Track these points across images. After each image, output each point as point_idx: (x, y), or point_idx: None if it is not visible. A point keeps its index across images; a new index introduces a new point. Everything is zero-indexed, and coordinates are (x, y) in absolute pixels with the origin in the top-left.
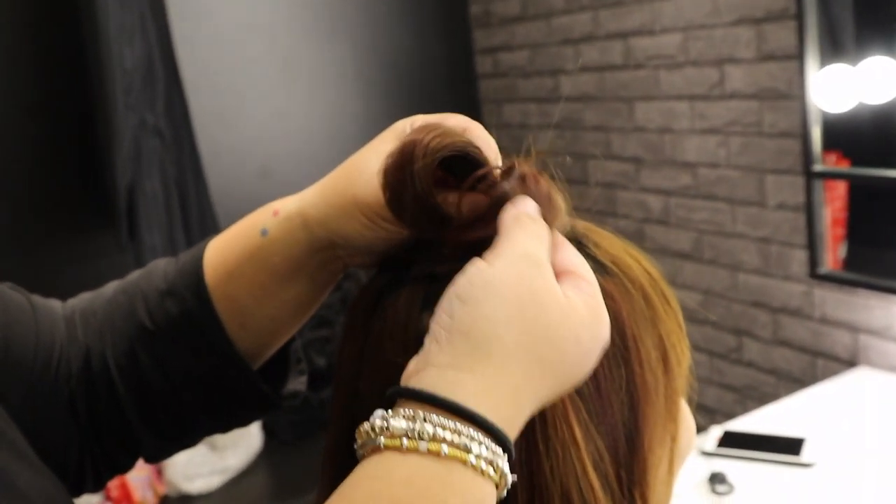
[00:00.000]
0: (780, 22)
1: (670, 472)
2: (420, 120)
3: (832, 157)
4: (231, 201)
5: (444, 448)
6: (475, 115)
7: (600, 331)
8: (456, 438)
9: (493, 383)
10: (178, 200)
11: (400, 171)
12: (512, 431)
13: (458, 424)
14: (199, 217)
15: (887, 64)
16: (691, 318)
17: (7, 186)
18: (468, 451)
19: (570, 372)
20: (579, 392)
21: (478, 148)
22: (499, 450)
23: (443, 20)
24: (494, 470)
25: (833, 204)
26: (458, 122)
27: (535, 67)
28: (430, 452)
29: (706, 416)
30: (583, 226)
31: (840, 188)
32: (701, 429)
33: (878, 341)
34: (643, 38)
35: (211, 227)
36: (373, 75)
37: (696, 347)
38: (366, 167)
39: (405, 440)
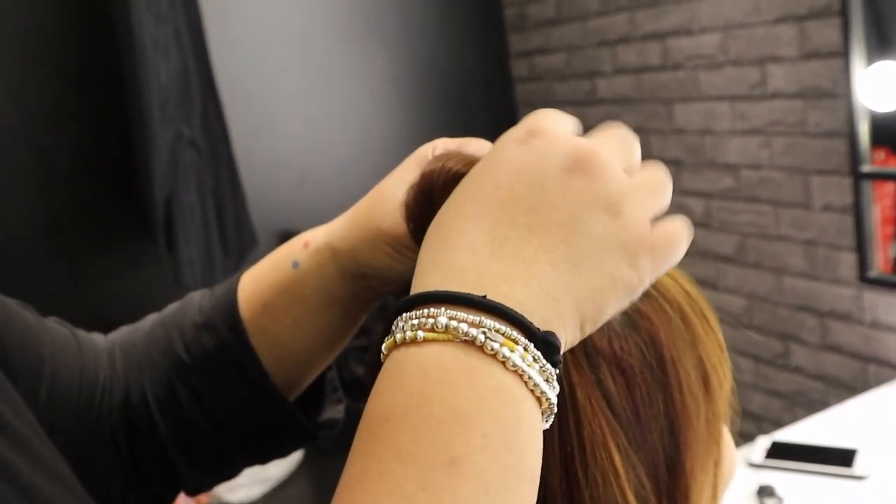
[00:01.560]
0: (823, 19)
1: (714, 499)
2: (441, 145)
3: (881, 154)
4: (269, 211)
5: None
6: (512, 119)
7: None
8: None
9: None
10: (214, 212)
11: (421, 201)
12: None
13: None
14: (235, 229)
15: None
16: (736, 322)
17: (47, 200)
18: (515, 343)
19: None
20: (618, 418)
21: None
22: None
23: (478, 25)
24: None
25: (882, 202)
26: (479, 147)
27: (572, 70)
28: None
29: (753, 423)
30: None
31: (889, 185)
32: (748, 437)
33: None
34: (681, 38)
35: (248, 239)
36: (408, 82)
37: (741, 353)
38: (389, 198)
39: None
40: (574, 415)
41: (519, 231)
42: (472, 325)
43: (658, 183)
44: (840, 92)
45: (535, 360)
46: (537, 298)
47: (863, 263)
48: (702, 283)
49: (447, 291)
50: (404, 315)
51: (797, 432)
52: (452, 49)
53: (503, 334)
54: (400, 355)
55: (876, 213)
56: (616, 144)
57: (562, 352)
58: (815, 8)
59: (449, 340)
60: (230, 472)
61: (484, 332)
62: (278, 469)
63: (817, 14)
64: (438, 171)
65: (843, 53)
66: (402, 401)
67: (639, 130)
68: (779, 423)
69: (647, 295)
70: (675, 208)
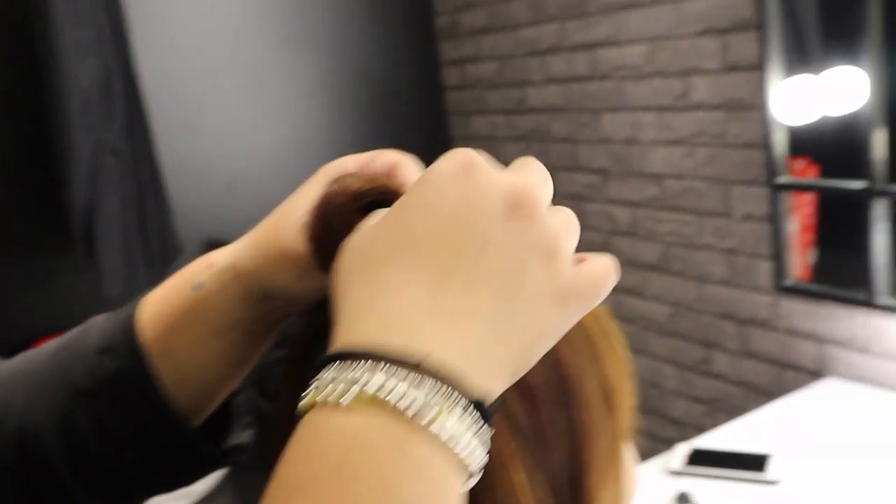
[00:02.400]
0: (743, 32)
1: None
2: (350, 162)
3: (801, 164)
4: (196, 218)
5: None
6: (443, 127)
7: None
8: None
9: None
10: (137, 220)
11: (321, 222)
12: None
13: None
14: (159, 237)
15: (850, 74)
16: (660, 330)
17: None
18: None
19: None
20: (522, 438)
21: (398, 191)
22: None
23: (410, 32)
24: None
25: (802, 210)
26: (387, 160)
27: (503, 79)
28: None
29: (676, 428)
30: None
31: (809, 194)
32: (671, 442)
33: (843, 352)
34: (609, 49)
35: (172, 247)
36: (340, 88)
37: (665, 360)
38: (293, 217)
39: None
40: None
41: (460, 283)
42: (406, 392)
43: (572, 219)
44: (758, 104)
45: (468, 426)
46: (476, 357)
47: (779, 272)
48: (628, 291)
49: (384, 349)
50: (331, 368)
51: (717, 438)
52: (384, 55)
53: (439, 403)
54: (322, 418)
55: (796, 221)
56: (541, 180)
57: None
58: (737, 22)
59: (379, 407)
60: (134, 502)
61: (418, 402)
62: (201, 483)
63: (738, 28)
64: (338, 192)
65: (761, 67)
66: (320, 470)
67: (568, 139)
68: (701, 429)
69: None
70: (602, 217)
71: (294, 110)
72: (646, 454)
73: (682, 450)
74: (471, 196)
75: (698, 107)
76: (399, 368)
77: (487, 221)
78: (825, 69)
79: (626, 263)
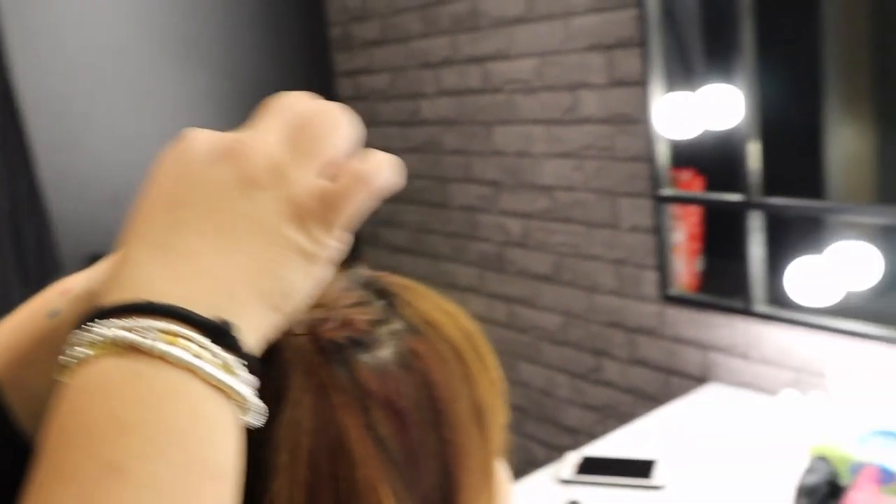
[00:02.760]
0: (627, 49)
1: None
2: None
3: (687, 175)
4: (79, 234)
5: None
6: None
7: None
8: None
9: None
10: (11, 237)
11: None
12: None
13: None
14: (37, 254)
15: (726, 91)
16: (553, 339)
17: None
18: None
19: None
20: (391, 460)
21: None
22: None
23: (302, 43)
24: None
25: (689, 220)
26: None
27: (396, 91)
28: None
29: (569, 436)
30: (395, 283)
31: (696, 204)
32: (564, 450)
33: (725, 358)
34: (500, 62)
35: (51, 264)
36: (230, 100)
37: (558, 369)
38: None
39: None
40: (346, 458)
41: (178, 231)
42: (123, 328)
43: (319, 134)
44: (643, 119)
45: (203, 349)
46: (203, 288)
47: (664, 282)
48: (521, 301)
49: (102, 307)
50: (71, 340)
51: (607, 445)
52: (276, 66)
53: (162, 331)
54: (65, 380)
55: (683, 231)
56: (270, 119)
57: (253, 336)
58: (621, 39)
59: (106, 352)
60: None
61: (137, 333)
62: None
63: (622, 45)
64: None
65: (644, 83)
66: (59, 420)
67: (461, 152)
68: (593, 436)
69: (421, 334)
70: (495, 229)
71: (182, 123)
72: (540, 463)
73: (572, 458)
74: (180, 157)
75: (586, 120)
76: (130, 316)
77: (194, 171)
78: (704, 86)
79: (519, 274)
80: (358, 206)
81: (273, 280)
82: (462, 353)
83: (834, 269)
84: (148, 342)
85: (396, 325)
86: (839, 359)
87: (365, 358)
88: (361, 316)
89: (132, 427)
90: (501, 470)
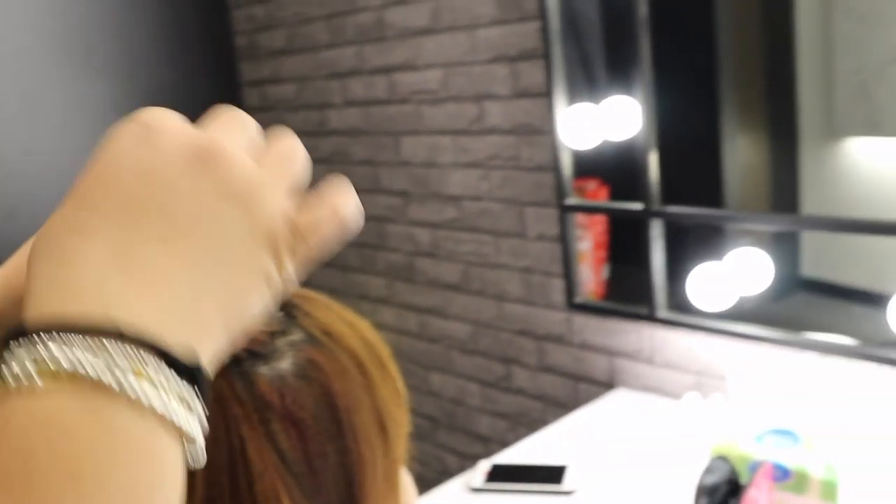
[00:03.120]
0: (531, 61)
1: None
2: None
3: (593, 184)
4: None
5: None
6: None
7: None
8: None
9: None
10: None
11: None
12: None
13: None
14: None
15: (626, 103)
16: (463, 348)
17: None
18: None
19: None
20: (292, 472)
21: None
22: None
23: (207, 52)
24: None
25: (595, 228)
26: None
27: (303, 101)
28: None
29: (481, 444)
30: (295, 294)
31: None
32: (476, 458)
33: (631, 363)
34: (406, 73)
35: None
36: (132, 109)
37: (469, 377)
38: None
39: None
40: (245, 471)
41: (145, 239)
42: (87, 359)
43: (287, 157)
44: (547, 129)
45: (171, 389)
46: (174, 311)
47: (569, 290)
48: (431, 311)
49: (61, 319)
50: (12, 348)
51: (517, 452)
52: (181, 76)
53: (126, 366)
54: (9, 403)
55: (589, 239)
56: (236, 129)
57: (209, 365)
58: (525, 50)
59: (61, 386)
60: None
61: (105, 366)
62: None
63: (526, 56)
64: None
65: (547, 94)
66: (5, 462)
67: (368, 162)
68: (504, 444)
69: (321, 345)
70: (404, 238)
71: (82, 134)
72: (453, 472)
73: (483, 466)
74: (153, 153)
75: (492, 131)
76: (79, 336)
77: (170, 175)
78: (606, 97)
79: (429, 284)
80: (327, 240)
81: (239, 306)
82: (363, 364)
83: (731, 275)
84: (118, 382)
85: (296, 336)
86: (737, 361)
87: (264, 370)
88: (260, 327)
89: (86, 473)
90: (406, 478)
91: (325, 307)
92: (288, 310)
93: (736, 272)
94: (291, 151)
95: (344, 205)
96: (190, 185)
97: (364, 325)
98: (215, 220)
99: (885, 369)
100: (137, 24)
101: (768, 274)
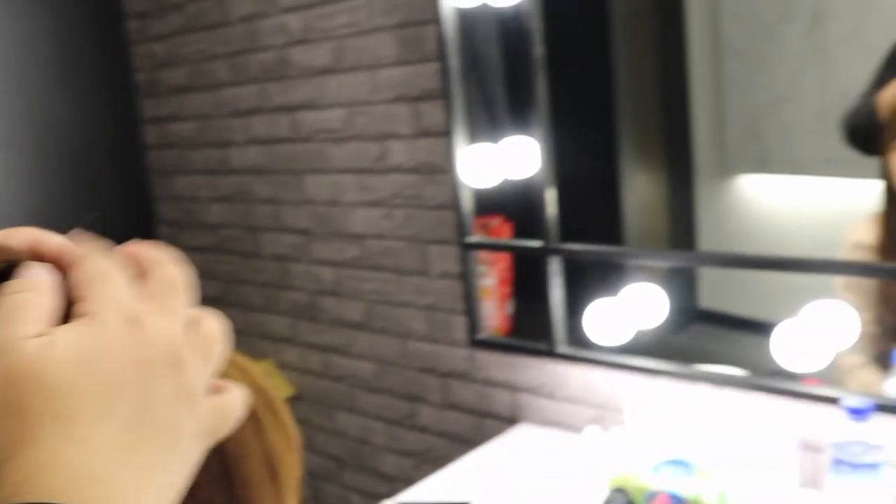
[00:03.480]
0: (432, 101)
1: None
2: None
3: (496, 221)
4: None
5: None
6: (143, 187)
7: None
8: None
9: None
10: None
11: None
12: None
13: None
14: None
15: (524, 142)
16: (368, 387)
17: None
18: None
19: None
20: None
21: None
22: None
23: (107, 89)
24: None
25: (499, 264)
26: (24, 238)
27: (205, 139)
28: None
29: (386, 483)
30: None
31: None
32: (382, 497)
33: (533, 398)
34: (309, 112)
35: None
36: (24, 146)
37: (374, 416)
38: None
39: None
40: None
41: (141, 434)
42: None
43: (213, 335)
44: (448, 168)
45: None
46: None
47: (472, 327)
48: (335, 349)
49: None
50: None
51: (422, 491)
52: (79, 112)
53: None
54: None
55: (494, 275)
56: (170, 300)
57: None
58: (426, 90)
59: None
60: None
61: None
62: None
63: (427, 96)
64: None
65: (448, 134)
66: None
67: (272, 200)
68: (410, 482)
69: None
70: (308, 277)
71: None
72: None
73: None
74: (139, 350)
75: (394, 170)
76: None
77: (157, 375)
78: (506, 136)
79: (332, 323)
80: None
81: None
82: (254, 408)
83: (626, 309)
84: None
85: None
86: (634, 394)
87: None
88: None
89: None
90: None
91: None
92: None
93: (631, 307)
94: (216, 332)
95: (241, 401)
96: (157, 386)
97: (256, 370)
98: (172, 418)
99: (772, 399)
100: (34, 60)
101: (663, 308)
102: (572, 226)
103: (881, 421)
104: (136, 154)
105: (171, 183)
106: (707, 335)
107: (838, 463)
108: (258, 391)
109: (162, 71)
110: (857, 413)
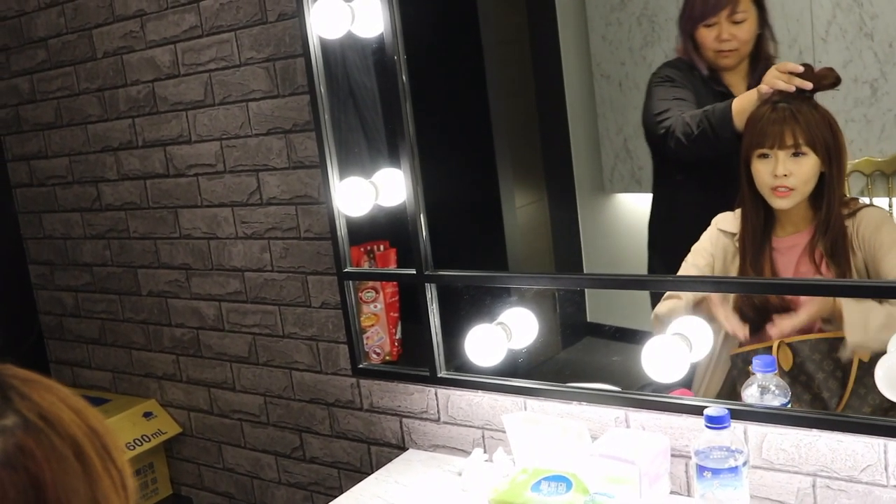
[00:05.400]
0: (304, 133)
1: None
2: None
3: (382, 247)
4: None
5: None
6: (13, 227)
7: None
8: None
9: None
10: None
11: None
12: None
13: None
14: None
15: (395, 173)
16: (255, 421)
17: None
18: None
19: None
20: None
21: None
22: None
23: None
24: None
25: (386, 290)
26: None
27: (76, 176)
28: None
29: None
30: (14, 375)
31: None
32: None
33: (419, 423)
34: (182, 146)
35: None
36: None
37: (263, 450)
38: None
39: None
40: None
41: None
42: None
43: None
44: (323, 199)
45: None
46: None
47: (353, 356)
48: (220, 385)
49: None
50: None
51: None
52: None
53: None
54: None
55: (381, 301)
56: None
57: None
58: (298, 123)
59: None
60: None
61: None
62: None
63: (299, 129)
64: None
65: (321, 165)
66: None
67: (148, 236)
68: None
69: (36, 430)
70: (189, 313)
71: None
72: None
73: None
74: None
75: (270, 202)
76: None
77: None
78: (381, 165)
79: (217, 357)
80: None
81: None
82: (84, 451)
83: (502, 332)
84: None
85: (8, 421)
86: (514, 414)
87: None
88: None
89: None
90: None
91: (46, 390)
92: (3, 391)
93: (506, 329)
94: None
95: None
96: None
97: (92, 412)
98: None
99: (645, 411)
100: None
101: (534, 330)
102: (455, 251)
103: (740, 427)
104: (2, 193)
105: (41, 222)
106: (596, 348)
107: (701, 469)
108: (91, 432)
109: (26, 107)
110: (716, 421)
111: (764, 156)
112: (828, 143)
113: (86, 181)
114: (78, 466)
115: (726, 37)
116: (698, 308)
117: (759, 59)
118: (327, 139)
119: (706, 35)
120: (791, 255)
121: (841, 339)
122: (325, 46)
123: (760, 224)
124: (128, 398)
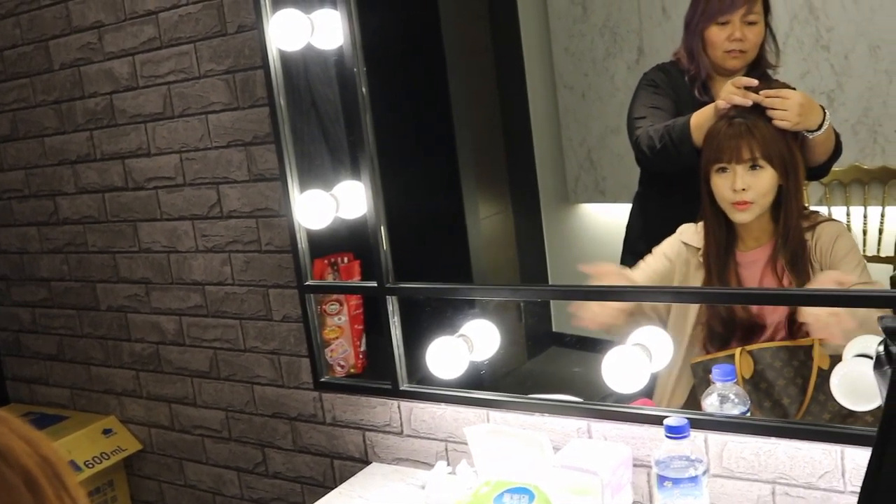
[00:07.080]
0: (264, 146)
1: None
2: None
3: (346, 258)
4: None
5: None
6: None
7: None
8: None
9: None
10: None
11: None
12: None
13: None
14: None
15: (355, 186)
16: (217, 436)
17: None
18: None
19: None
20: None
21: None
22: None
23: None
24: None
25: (350, 302)
26: None
27: (32, 189)
28: None
29: None
30: None
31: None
32: None
33: (382, 437)
34: (141, 160)
35: None
36: None
37: (225, 466)
38: None
39: None
40: None
41: None
42: None
43: None
44: (283, 212)
45: None
46: None
47: (315, 370)
48: (181, 400)
49: None
50: None
51: None
52: None
53: None
54: None
55: (345, 314)
56: None
57: None
58: (258, 136)
59: None
60: None
61: None
62: None
63: (259, 142)
64: None
65: (281, 178)
66: None
67: (107, 250)
68: None
69: None
70: (149, 328)
71: None
72: None
73: None
74: None
75: (231, 215)
76: None
77: None
78: (343, 178)
79: (178, 373)
80: None
81: None
82: (36, 481)
83: (464, 344)
84: None
85: None
86: (476, 426)
87: None
88: None
89: None
90: None
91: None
92: None
93: (468, 341)
94: None
95: None
96: None
97: (44, 442)
98: None
99: (608, 421)
100: None
101: (496, 342)
102: (419, 263)
103: (701, 436)
104: None
105: None
106: (561, 358)
107: (662, 479)
108: (43, 462)
109: None
110: (675, 431)
111: (722, 170)
112: (784, 156)
113: (42, 195)
114: (29, 496)
115: (738, 36)
116: None
117: (758, 68)
118: (287, 151)
119: (717, 33)
120: (754, 269)
121: (801, 347)
122: (286, 58)
123: (723, 240)
124: (87, 415)
